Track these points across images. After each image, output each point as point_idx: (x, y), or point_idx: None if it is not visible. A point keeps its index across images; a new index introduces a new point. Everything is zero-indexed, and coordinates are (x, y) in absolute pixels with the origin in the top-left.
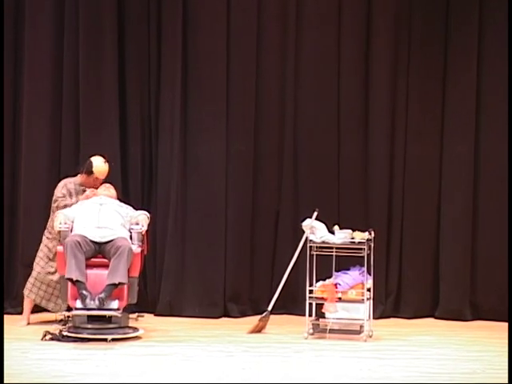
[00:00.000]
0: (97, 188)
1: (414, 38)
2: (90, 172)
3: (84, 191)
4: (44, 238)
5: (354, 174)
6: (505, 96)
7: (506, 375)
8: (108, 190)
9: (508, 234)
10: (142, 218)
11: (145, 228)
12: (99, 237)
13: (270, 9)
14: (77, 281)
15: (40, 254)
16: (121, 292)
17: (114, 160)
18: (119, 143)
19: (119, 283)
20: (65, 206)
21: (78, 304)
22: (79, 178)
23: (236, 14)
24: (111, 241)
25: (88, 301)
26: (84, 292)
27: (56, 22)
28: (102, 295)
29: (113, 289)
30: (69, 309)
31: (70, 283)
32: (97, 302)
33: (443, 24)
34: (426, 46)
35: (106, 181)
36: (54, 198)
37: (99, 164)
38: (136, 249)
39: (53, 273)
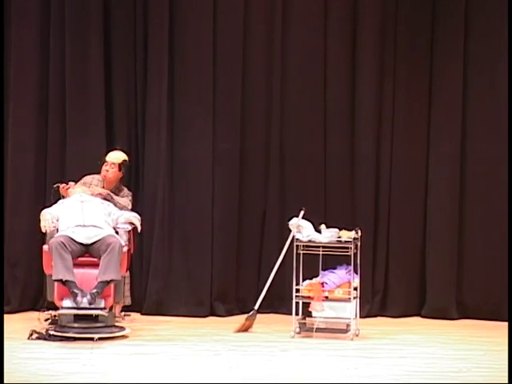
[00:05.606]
0: (110, 174)
1: (400, 33)
2: (103, 161)
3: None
4: None
5: (341, 172)
6: (492, 92)
7: (492, 373)
8: (78, 188)
9: (508, 233)
10: (134, 220)
11: (139, 228)
12: (85, 237)
13: (256, 8)
14: (66, 281)
15: None
16: (107, 291)
17: (101, 160)
18: (105, 143)
19: (111, 280)
20: None
21: (65, 303)
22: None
23: (222, 13)
24: (99, 240)
25: (79, 298)
26: (75, 290)
27: (41, 21)
28: (94, 291)
29: (105, 286)
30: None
31: (56, 283)
32: (88, 297)
33: (429, 17)
34: (413, 41)
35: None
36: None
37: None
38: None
39: None
